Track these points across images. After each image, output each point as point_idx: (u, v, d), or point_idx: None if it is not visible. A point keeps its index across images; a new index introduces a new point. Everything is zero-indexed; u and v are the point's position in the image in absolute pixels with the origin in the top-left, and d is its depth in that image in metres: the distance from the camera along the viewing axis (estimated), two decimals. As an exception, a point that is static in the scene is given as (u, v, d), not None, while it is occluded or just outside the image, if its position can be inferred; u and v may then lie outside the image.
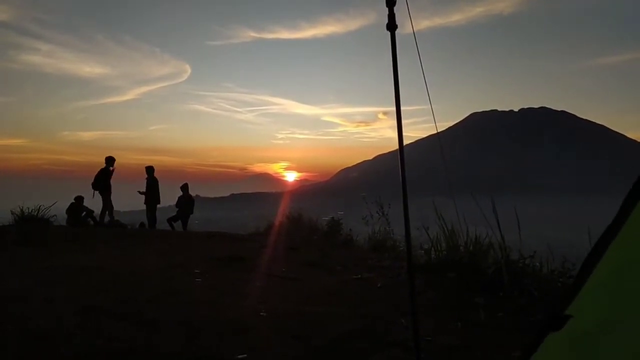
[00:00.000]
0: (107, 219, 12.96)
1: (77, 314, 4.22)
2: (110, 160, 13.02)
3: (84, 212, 12.90)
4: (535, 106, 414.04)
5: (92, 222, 12.99)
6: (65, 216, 12.76)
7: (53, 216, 12.53)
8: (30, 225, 11.16)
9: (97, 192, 12.76)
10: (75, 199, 12.90)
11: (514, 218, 5.63)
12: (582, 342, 1.06)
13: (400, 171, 2.67)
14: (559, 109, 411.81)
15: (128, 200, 14.11)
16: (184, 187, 14.08)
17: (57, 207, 12.68)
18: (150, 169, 13.55)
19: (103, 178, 12.82)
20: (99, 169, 12.94)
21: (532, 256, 5.17)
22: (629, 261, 1.00)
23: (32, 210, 12.12)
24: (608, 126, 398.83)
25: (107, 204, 12.93)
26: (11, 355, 3.27)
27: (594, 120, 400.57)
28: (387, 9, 2.68)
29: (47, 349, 3.36)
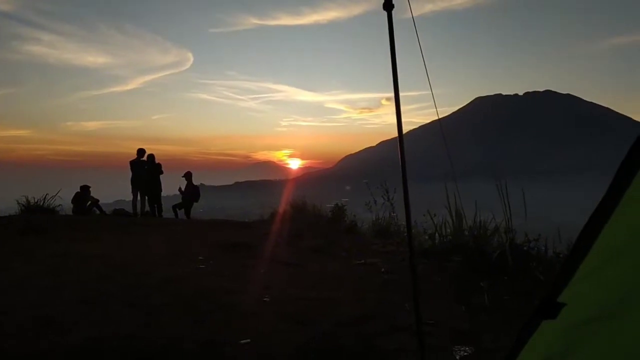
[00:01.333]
0: (146, 208, 13.16)
1: (83, 300, 4.25)
2: (141, 152, 13.23)
3: (89, 202, 12.95)
4: (541, 89, 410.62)
5: (97, 211, 13.05)
6: (71, 205, 12.82)
7: (59, 205, 12.60)
8: (36, 214, 11.23)
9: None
10: (81, 188, 12.94)
11: (520, 202, 5.59)
12: (579, 330, 1.03)
13: (399, 154, 2.63)
14: (564, 92, 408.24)
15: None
16: (188, 176, 14.07)
17: (63, 196, 12.75)
18: (151, 156, 13.54)
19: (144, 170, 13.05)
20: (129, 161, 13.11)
21: (536, 239, 5.14)
22: (626, 245, 0.96)
23: (37, 200, 12.19)
24: (614, 109, 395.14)
25: (144, 195, 13.12)
26: (18, 341, 3.30)
27: (599, 103, 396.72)
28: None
29: (53, 335, 3.39)
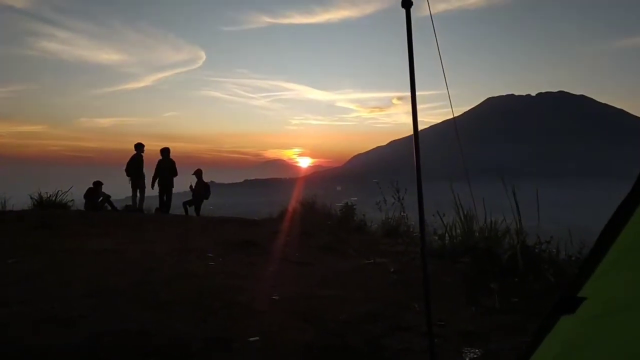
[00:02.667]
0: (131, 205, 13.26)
1: (91, 295, 4.29)
2: (140, 147, 13.28)
3: (101, 198, 13.07)
4: (554, 90, 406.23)
5: (109, 207, 13.17)
6: (83, 201, 12.96)
7: (71, 201, 12.75)
8: (49, 210, 11.37)
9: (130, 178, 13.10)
10: (94, 184, 13.07)
11: (532, 204, 5.53)
12: (598, 323, 1.02)
13: (414, 153, 2.61)
14: (578, 93, 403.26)
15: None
16: (199, 173, 14.14)
17: (75, 192, 12.90)
18: (165, 151, 13.63)
19: (136, 165, 13.11)
20: (130, 157, 13.17)
21: (548, 241, 5.08)
22: None
23: (50, 195, 12.34)
24: (628, 110, 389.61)
25: (143, 190, 13.22)
26: (26, 335, 3.33)
27: (613, 105, 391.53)
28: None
29: (61, 330, 3.43)
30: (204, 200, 14.21)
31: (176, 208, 13.91)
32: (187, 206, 13.89)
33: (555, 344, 1.10)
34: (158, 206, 13.57)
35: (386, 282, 5.26)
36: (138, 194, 13.25)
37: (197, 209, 13.87)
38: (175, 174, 13.57)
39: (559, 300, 1.09)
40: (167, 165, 13.38)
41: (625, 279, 0.99)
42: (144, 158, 13.40)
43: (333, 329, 3.63)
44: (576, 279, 1.08)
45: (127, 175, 13.12)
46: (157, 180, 13.23)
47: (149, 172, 13.39)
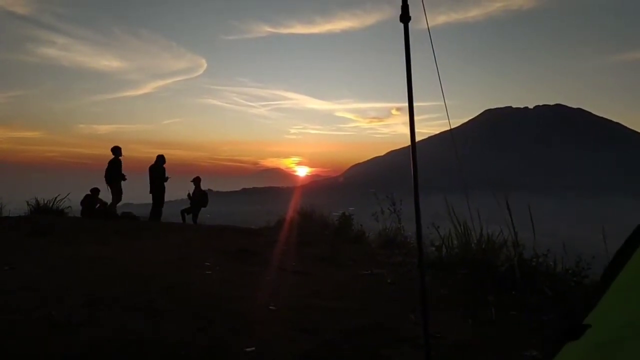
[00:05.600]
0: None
1: (88, 304, 4.27)
2: (117, 150, 12.99)
3: (98, 204, 13.03)
4: (551, 103, 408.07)
5: (106, 214, 13.12)
6: (80, 208, 12.92)
7: (68, 207, 12.72)
8: (45, 216, 11.34)
9: (109, 184, 12.85)
10: (91, 190, 13.04)
11: (528, 216, 5.55)
12: (602, 350, 1.03)
13: (411, 164, 2.64)
14: (575, 107, 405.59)
15: (140, 193, 14.16)
16: (197, 181, 14.14)
17: (72, 199, 12.86)
18: (160, 158, 13.57)
19: (115, 169, 12.87)
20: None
21: (545, 254, 5.09)
22: None
23: (47, 202, 12.32)
24: (625, 124, 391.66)
25: (118, 195, 12.97)
26: (22, 343, 3.31)
27: (610, 118, 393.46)
28: (401, 1, 2.65)
29: (57, 338, 3.41)
30: (202, 208, 14.20)
31: (173, 216, 13.88)
32: (185, 214, 13.88)
33: None
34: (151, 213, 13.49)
35: (383, 293, 5.26)
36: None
37: (195, 217, 13.86)
38: (163, 177, 13.41)
39: (567, 328, 1.11)
40: (157, 170, 13.32)
41: (630, 308, 1.01)
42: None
43: (330, 339, 3.62)
44: (585, 306, 1.10)
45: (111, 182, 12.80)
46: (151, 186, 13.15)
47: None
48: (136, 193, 13.40)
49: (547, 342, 3.43)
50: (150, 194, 13.29)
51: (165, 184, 13.41)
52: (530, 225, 5.46)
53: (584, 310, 1.09)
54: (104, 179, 12.68)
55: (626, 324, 1.00)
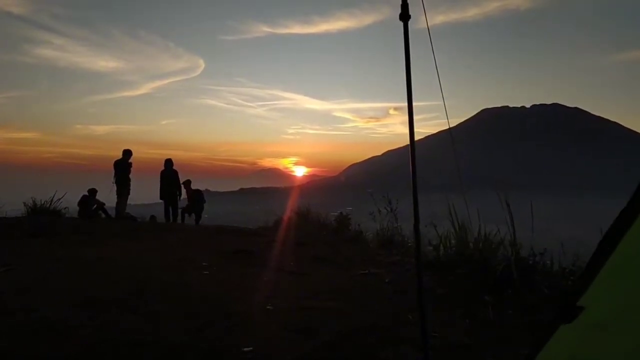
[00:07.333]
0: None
1: (85, 305, 4.26)
2: (128, 153, 13.19)
3: (95, 205, 13.00)
4: (548, 102, 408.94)
5: (103, 215, 13.10)
6: (77, 209, 12.89)
7: (65, 208, 12.68)
8: (42, 217, 11.30)
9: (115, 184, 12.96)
10: (88, 191, 13.01)
11: (525, 215, 5.55)
12: (595, 331, 1.04)
13: (410, 163, 2.63)
14: (572, 106, 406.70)
15: (139, 194, 14.13)
16: (187, 183, 14.13)
17: (69, 199, 12.83)
18: (167, 162, 13.66)
19: (123, 170, 13.00)
20: (114, 162, 13.07)
21: (542, 253, 5.10)
22: None
23: (44, 203, 12.28)
24: (622, 124, 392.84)
25: (125, 196, 13.10)
26: (19, 345, 3.30)
27: (607, 118, 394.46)
28: (400, 0, 2.65)
29: (54, 340, 3.40)
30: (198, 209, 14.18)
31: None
32: (186, 214, 13.87)
33: (553, 352, 1.11)
34: (154, 215, 13.53)
35: (381, 293, 5.25)
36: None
37: (198, 217, 13.85)
38: (177, 185, 13.48)
39: (560, 309, 1.11)
40: (168, 175, 13.40)
41: (624, 288, 1.01)
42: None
43: (328, 340, 3.62)
44: (576, 286, 1.10)
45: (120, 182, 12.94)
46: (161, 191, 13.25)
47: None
48: (134, 194, 13.39)
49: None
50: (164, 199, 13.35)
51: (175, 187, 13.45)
52: (526, 224, 5.47)
53: (577, 291, 1.09)
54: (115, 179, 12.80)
55: (620, 304, 1.00)
